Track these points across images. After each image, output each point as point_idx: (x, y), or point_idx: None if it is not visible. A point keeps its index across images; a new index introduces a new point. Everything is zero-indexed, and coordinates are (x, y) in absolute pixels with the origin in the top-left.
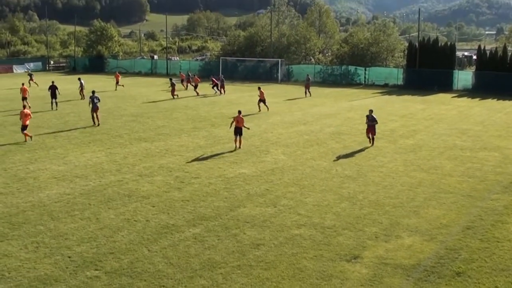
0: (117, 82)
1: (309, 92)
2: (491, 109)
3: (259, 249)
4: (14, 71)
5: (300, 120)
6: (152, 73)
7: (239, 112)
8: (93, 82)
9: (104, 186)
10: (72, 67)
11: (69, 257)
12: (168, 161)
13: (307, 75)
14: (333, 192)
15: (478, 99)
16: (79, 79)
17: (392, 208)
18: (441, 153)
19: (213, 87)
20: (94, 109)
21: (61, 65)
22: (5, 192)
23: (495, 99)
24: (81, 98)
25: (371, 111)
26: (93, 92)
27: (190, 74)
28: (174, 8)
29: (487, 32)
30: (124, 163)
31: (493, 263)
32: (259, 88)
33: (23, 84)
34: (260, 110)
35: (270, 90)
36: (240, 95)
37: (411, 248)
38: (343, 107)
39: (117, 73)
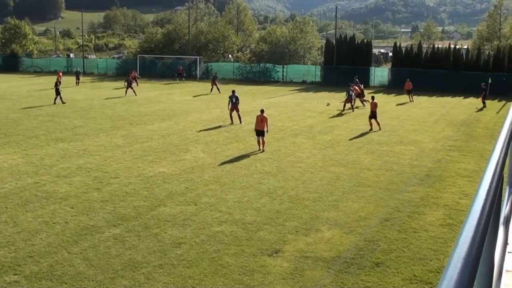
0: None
1: (218, 88)
2: (406, 104)
3: (181, 248)
4: None
5: (219, 117)
6: (68, 71)
7: (262, 111)
8: (8, 82)
9: (21, 189)
10: None
11: None
12: (86, 161)
13: (215, 73)
14: (253, 188)
15: (394, 95)
16: None
17: (311, 203)
18: (359, 148)
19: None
20: None
21: None
22: None
23: (411, 95)
24: None
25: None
26: None
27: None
28: (90, 5)
29: (402, 30)
30: (41, 164)
31: (411, 253)
32: None
33: None
34: None
35: (189, 87)
36: (159, 93)
37: (331, 241)
38: (261, 104)
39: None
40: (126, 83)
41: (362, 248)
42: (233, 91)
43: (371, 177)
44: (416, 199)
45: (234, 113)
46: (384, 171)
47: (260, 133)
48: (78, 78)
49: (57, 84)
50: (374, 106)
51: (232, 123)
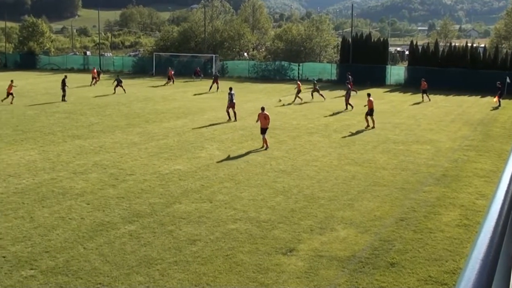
0: (94, 78)
1: (217, 87)
2: (423, 103)
3: (196, 245)
4: None
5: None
6: (84, 69)
7: (263, 109)
8: (25, 79)
9: (38, 185)
10: (3, 64)
11: (4, 257)
12: (102, 158)
13: (216, 71)
14: (268, 187)
15: (410, 93)
16: None
17: (326, 202)
18: (374, 147)
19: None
20: None
21: None
22: None
23: (426, 94)
24: None
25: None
26: None
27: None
28: (106, 3)
29: (419, 28)
30: (58, 160)
31: (426, 253)
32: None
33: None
34: None
35: (205, 85)
36: (174, 91)
37: (346, 240)
38: (277, 102)
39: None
40: (115, 82)
41: (377, 248)
42: (231, 88)
43: (386, 176)
44: (432, 199)
45: (231, 110)
46: (400, 171)
47: (264, 131)
48: (93, 77)
49: (64, 81)
50: (370, 103)
51: (230, 120)
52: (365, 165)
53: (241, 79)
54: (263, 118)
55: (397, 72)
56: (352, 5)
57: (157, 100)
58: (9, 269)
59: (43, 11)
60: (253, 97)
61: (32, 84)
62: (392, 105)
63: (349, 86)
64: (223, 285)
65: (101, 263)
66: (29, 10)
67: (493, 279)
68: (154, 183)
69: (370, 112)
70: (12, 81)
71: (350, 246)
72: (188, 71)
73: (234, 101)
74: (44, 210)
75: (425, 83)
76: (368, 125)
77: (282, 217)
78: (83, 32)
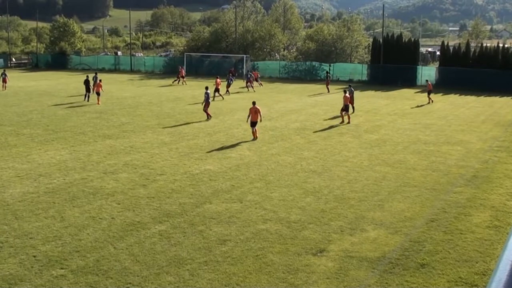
0: (182, 77)
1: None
2: (454, 104)
3: (226, 245)
4: None
5: (265, 116)
6: (115, 69)
7: (254, 103)
8: (56, 79)
9: (68, 184)
10: (35, 64)
11: (34, 256)
12: (133, 158)
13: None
14: (298, 187)
15: (441, 94)
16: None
17: (357, 202)
18: (405, 147)
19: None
20: None
21: (23, 61)
22: None
23: (458, 94)
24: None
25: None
26: None
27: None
28: (138, 3)
29: (450, 28)
30: (89, 160)
31: (456, 255)
32: None
33: (100, 80)
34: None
35: (236, 86)
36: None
37: (376, 241)
38: (308, 102)
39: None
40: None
41: (407, 249)
42: (207, 88)
43: (417, 177)
44: (463, 200)
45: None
46: (430, 171)
47: (254, 124)
48: (181, 76)
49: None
50: (346, 99)
51: (208, 119)
52: (396, 165)
53: (272, 79)
54: (254, 112)
55: (428, 72)
56: (383, 5)
57: (188, 100)
58: (40, 269)
59: (75, 11)
60: (284, 97)
61: (64, 84)
62: (423, 105)
63: (352, 89)
64: (253, 286)
65: (131, 263)
66: (61, 10)
67: None
68: (185, 183)
69: (345, 108)
70: (100, 80)
71: (380, 247)
72: (219, 72)
73: (209, 100)
74: (75, 209)
75: (430, 84)
76: (343, 121)
77: (312, 218)
78: (114, 32)
